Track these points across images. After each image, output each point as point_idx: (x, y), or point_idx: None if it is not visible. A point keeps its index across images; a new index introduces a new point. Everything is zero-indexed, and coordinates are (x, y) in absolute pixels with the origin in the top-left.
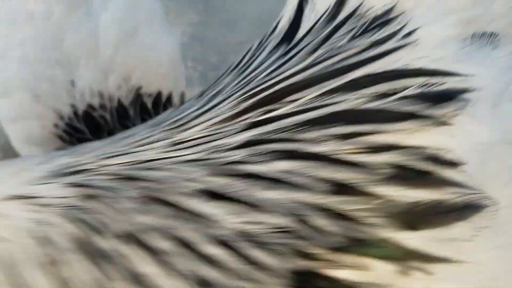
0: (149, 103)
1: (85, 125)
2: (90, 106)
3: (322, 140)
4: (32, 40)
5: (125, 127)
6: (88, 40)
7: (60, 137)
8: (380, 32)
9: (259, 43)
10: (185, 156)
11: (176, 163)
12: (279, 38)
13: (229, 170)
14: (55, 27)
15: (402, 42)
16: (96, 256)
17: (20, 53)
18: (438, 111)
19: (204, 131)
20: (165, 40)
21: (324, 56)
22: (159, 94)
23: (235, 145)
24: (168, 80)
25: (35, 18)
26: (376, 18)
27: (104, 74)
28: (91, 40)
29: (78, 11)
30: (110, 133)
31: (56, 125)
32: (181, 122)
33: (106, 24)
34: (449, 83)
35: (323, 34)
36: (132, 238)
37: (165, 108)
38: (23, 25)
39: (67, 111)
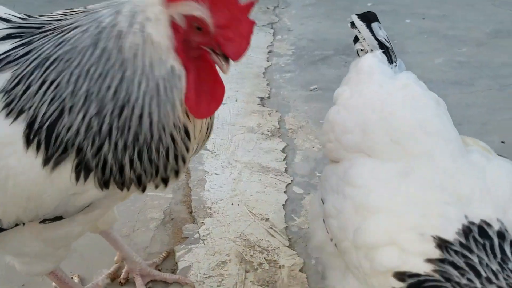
0: None
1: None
2: (485, 223)
3: None
4: (416, 188)
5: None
6: (478, 182)
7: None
8: None
9: None
10: None
11: None
12: None
13: None
14: (442, 173)
15: None
16: None
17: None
18: None
19: None
20: None
21: None
22: None
23: None
24: None
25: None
26: None
27: (502, 208)
28: (480, 182)
29: (459, 160)
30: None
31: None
32: None
33: (495, 172)
34: None
35: None
36: None
37: None
38: (403, 179)
39: (452, 238)
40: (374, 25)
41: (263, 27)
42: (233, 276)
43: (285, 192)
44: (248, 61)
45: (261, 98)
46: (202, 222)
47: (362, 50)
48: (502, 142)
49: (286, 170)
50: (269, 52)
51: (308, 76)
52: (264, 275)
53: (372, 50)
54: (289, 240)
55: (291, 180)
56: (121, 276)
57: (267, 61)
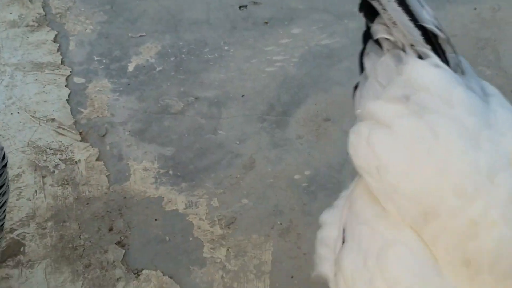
0: None
1: None
2: None
3: None
4: None
5: None
6: None
7: None
8: None
9: None
10: None
11: None
12: None
13: None
14: None
15: None
16: None
17: None
18: None
19: None
20: None
21: None
22: None
23: None
24: None
25: None
26: None
27: None
28: None
29: None
30: None
31: None
32: None
33: None
34: None
35: None
36: None
37: None
38: None
39: None
40: None
41: None
42: (30, 185)
43: (66, 85)
44: None
45: None
46: None
47: (388, 40)
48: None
49: (62, 62)
50: None
51: None
52: (62, 175)
53: (412, 45)
54: (80, 134)
55: (70, 71)
56: None
57: None
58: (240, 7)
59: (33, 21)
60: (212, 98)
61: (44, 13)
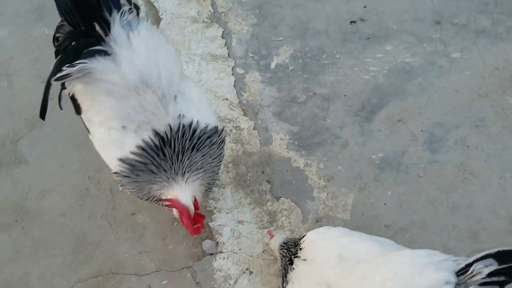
0: None
1: None
2: None
3: None
4: None
5: None
6: None
7: None
8: None
9: None
10: None
11: None
12: None
13: None
14: None
15: None
16: None
17: None
18: None
19: None
20: None
21: None
22: None
23: None
24: None
25: None
26: None
27: None
28: None
29: None
30: None
31: None
32: None
33: None
34: None
35: None
36: None
37: None
38: None
39: None
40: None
41: None
42: None
43: (232, 74)
44: None
45: None
46: None
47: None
48: (364, 7)
49: (229, 55)
50: None
51: None
52: (235, 136)
53: None
54: (243, 111)
55: (234, 63)
56: None
57: None
58: (351, 22)
59: (207, 18)
60: (324, 95)
61: (213, 10)
